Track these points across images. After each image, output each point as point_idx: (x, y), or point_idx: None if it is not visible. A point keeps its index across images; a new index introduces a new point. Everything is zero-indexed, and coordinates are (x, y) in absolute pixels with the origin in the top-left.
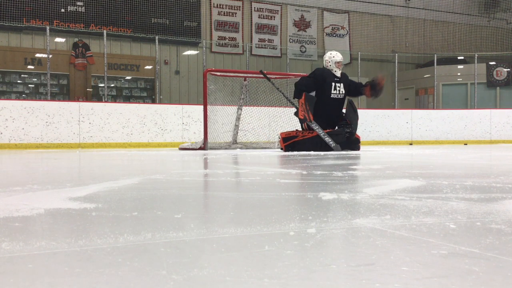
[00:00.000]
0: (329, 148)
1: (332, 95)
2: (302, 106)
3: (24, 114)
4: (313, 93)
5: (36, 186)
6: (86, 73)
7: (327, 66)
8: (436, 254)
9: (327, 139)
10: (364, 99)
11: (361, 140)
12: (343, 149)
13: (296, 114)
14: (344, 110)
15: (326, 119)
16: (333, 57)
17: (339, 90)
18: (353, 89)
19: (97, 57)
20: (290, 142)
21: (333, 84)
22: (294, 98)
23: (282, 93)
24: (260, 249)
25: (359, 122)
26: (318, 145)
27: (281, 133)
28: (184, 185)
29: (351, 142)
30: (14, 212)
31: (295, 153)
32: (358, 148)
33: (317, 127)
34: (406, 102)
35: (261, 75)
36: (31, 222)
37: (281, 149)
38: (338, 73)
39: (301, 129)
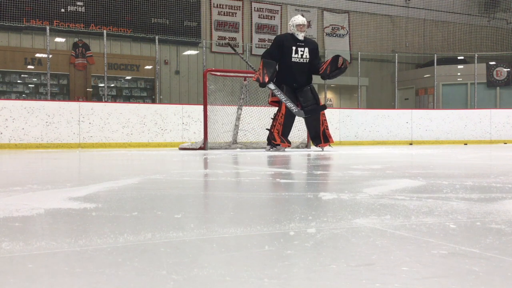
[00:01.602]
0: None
1: (293, 59)
2: (258, 71)
3: (24, 114)
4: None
5: (36, 186)
6: (86, 73)
7: (290, 31)
8: (436, 254)
9: (289, 104)
10: (364, 99)
11: (362, 140)
12: (306, 115)
13: (257, 80)
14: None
15: (291, 83)
16: (294, 21)
17: (301, 55)
18: (313, 67)
19: (97, 57)
20: (282, 130)
21: (294, 48)
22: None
23: (248, 64)
24: (260, 249)
25: (358, 121)
26: (294, 115)
27: (274, 131)
28: (184, 185)
29: (313, 111)
30: (14, 212)
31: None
32: (318, 142)
33: (278, 92)
34: (406, 102)
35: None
36: (31, 222)
37: (274, 146)
38: (300, 36)
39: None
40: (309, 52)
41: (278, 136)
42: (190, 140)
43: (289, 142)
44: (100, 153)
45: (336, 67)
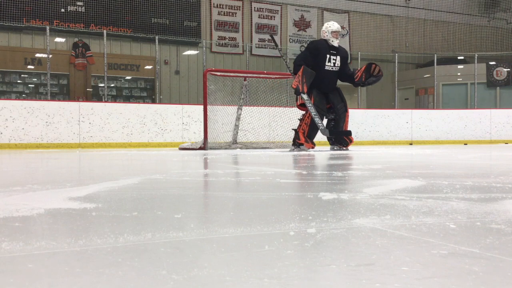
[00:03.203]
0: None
1: (326, 67)
2: (298, 78)
3: (24, 114)
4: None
5: (36, 186)
6: (86, 73)
7: (324, 37)
8: (436, 254)
9: (317, 120)
10: (364, 99)
11: (362, 140)
12: (331, 135)
13: (296, 88)
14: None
15: (319, 91)
16: (330, 27)
17: (334, 63)
18: (345, 75)
19: (97, 57)
20: (308, 132)
21: (328, 56)
22: (294, 75)
23: (287, 65)
24: (260, 249)
25: (358, 121)
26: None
27: (300, 131)
28: (184, 185)
29: (340, 133)
30: (14, 212)
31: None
32: (346, 143)
33: (309, 104)
34: (406, 102)
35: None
36: (31, 222)
37: (298, 146)
38: (335, 43)
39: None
40: (341, 60)
41: (303, 135)
42: (190, 140)
43: (313, 144)
44: (100, 153)
45: (370, 74)
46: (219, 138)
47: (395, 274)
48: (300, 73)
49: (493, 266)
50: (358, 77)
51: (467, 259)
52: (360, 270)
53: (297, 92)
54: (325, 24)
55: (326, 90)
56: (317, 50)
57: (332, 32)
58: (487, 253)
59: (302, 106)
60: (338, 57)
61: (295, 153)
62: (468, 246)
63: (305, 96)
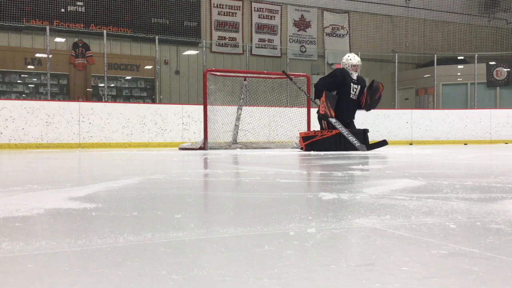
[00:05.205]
0: (349, 147)
1: (351, 96)
2: (323, 103)
3: (24, 114)
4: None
5: (36, 186)
6: (86, 73)
7: (344, 68)
8: (436, 254)
9: (351, 138)
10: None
11: None
12: (368, 149)
13: (318, 112)
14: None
15: (346, 119)
16: (350, 60)
17: (355, 92)
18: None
19: (97, 57)
20: (309, 142)
21: (352, 85)
22: (315, 99)
23: (305, 93)
24: (260, 249)
25: (358, 122)
26: (338, 144)
27: (300, 133)
28: (184, 185)
29: (377, 145)
30: (14, 212)
31: (313, 152)
32: (384, 143)
33: (340, 125)
34: (406, 102)
35: (283, 75)
36: (31, 222)
37: (301, 148)
38: (354, 76)
39: (319, 129)
40: (360, 89)
41: (302, 141)
42: (190, 140)
43: (307, 150)
44: (100, 153)
45: (372, 93)
46: (219, 138)
47: (395, 274)
48: (323, 98)
49: (493, 266)
50: (363, 103)
51: (467, 259)
52: (360, 270)
53: (325, 118)
54: (345, 57)
55: (349, 120)
56: (343, 78)
57: (352, 65)
58: (487, 253)
59: (320, 119)
60: (359, 86)
61: (297, 152)
62: (468, 246)
63: (333, 120)
